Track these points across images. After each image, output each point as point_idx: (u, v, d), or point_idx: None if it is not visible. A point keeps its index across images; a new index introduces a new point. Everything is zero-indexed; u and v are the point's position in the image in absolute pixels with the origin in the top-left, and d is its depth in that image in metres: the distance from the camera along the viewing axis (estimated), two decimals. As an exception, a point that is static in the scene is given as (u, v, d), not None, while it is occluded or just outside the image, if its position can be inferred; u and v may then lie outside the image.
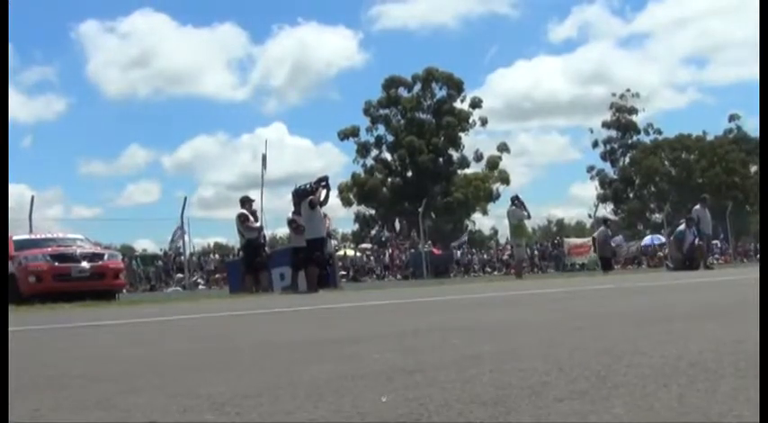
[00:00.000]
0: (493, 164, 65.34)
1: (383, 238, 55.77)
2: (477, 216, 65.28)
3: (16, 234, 18.52)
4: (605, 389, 2.27)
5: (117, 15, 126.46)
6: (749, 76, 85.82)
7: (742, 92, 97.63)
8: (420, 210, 36.85)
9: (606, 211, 68.36)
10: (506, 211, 22.17)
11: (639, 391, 2.21)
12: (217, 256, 41.42)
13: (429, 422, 1.93)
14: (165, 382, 2.90)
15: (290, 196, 17.20)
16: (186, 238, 27.63)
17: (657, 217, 65.00)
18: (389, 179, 64.74)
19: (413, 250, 40.62)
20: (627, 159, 73.77)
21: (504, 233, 23.87)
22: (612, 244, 29.85)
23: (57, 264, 16.73)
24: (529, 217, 21.77)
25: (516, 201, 21.55)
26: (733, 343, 3.23)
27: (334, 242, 21.22)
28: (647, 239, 49.67)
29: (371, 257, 42.40)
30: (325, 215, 17.09)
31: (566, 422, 1.85)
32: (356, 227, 65.14)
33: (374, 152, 65.44)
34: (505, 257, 42.69)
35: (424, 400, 2.22)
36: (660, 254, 42.10)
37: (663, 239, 42.20)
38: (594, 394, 2.19)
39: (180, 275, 32.27)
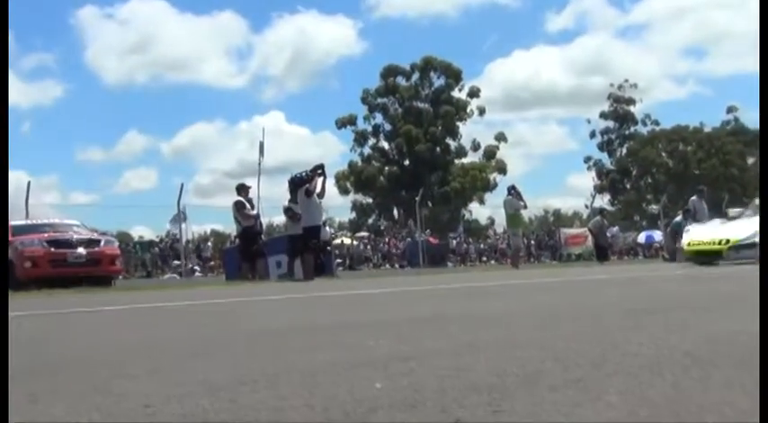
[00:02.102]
0: (490, 153, 65.33)
1: (380, 227, 55.85)
2: (473, 205, 65.26)
3: (13, 219, 18.50)
4: (600, 377, 2.28)
5: (115, 1, 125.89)
6: (748, 68, 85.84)
7: (740, 84, 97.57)
8: (417, 199, 36.93)
9: (603, 201, 68.42)
10: (503, 201, 22.21)
11: (634, 380, 2.21)
12: (209, 244, 41.41)
13: (424, 408, 1.93)
14: (161, 368, 2.91)
15: (286, 184, 17.22)
16: (183, 225, 27.68)
17: (654, 208, 65.03)
18: (387, 168, 64.72)
19: (409, 239, 40.65)
20: (624, 150, 73.76)
21: (501, 223, 23.96)
22: (608, 234, 29.87)
23: (53, 249, 16.73)
24: (525, 207, 21.81)
25: (513, 191, 21.59)
26: (728, 333, 3.24)
27: (330, 230, 21.24)
28: (642, 236, 49.65)
29: (368, 246, 42.44)
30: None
31: (560, 409, 1.86)
32: (353, 215, 65.15)
33: (372, 141, 65.46)
34: (502, 247, 42.71)
35: (418, 386, 2.22)
36: (656, 245, 42.17)
37: (657, 237, 42.24)
38: (589, 382, 2.20)
39: (177, 262, 32.29)
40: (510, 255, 21.94)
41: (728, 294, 6.82)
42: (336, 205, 64.57)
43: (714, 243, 16.36)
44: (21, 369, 2.88)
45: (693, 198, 23.74)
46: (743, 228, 16.23)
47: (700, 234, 17.34)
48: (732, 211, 20.40)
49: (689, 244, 17.21)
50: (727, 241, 16.12)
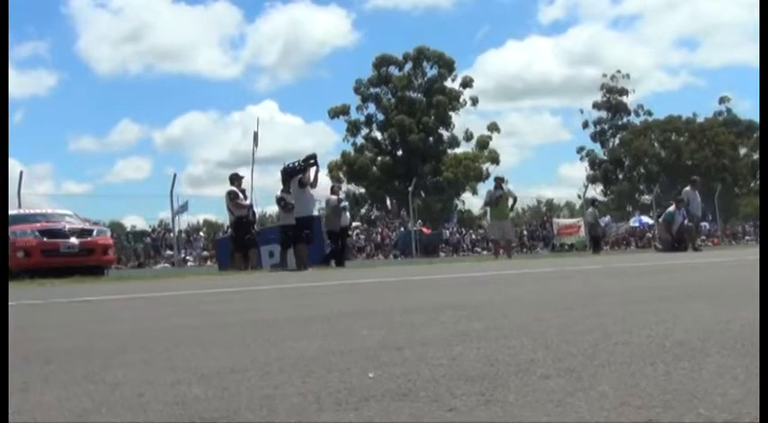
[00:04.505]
0: (483, 144, 65.29)
1: (373, 217, 55.82)
2: (466, 196, 65.31)
3: (5, 209, 18.46)
4: (592, 367, 2.28)
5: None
6: (740, 59, 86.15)
7: (732, 74, 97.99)
8: (410, 189, 36.92)
9: (595, 192, 68.53)
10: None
11: (626, 369, 2.22)
12: (202, 234, 41.36)
13: (417, 398, 1.93)
14: (153, 357, 2.90)
15: (279, 174, 17.20)
16: (179, 216, 27.67)
17: (646, 198, 65.22)
18: (379, 158, 64.66)
19: (402, 229, 40.66)
20: (617, 140, 73.85)
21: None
22: (601, 224, 29.93)
23: (45, 239, 16.72)
24: (499, 198, 21.09)
25: (495, 181, 21.83)
26: (719, 323, 3.25)
27: (348, 215, 21.24)
28: (633, 221, 49.83)
29: (361, 236, 42.43)
30: (339, 187, 17.39)
31: (552, 399, 1.86)
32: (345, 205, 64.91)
33: (364, 131, 65.36)
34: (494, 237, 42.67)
35: (411, 376, 2.23)
36: (649, 235, 42.28)
37: (650, 221, 42.37)
38: (581, 372, 2.20)
39: (169, 252, 32.25)
40: (503, 245, 21.83)
41: (722, 283, 6.84)
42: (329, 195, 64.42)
43: None
44: (12, 358, 2.88)
45: (687, 189, 23.72)
46: None
47: None
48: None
49: None
50: None
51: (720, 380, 2.02)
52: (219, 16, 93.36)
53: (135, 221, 52.55)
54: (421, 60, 64.96)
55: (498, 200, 20.98)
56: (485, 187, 62.56)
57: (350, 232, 20.01)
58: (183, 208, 27.28)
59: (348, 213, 21.02)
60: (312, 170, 16.53)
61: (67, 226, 17.59)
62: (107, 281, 13.52)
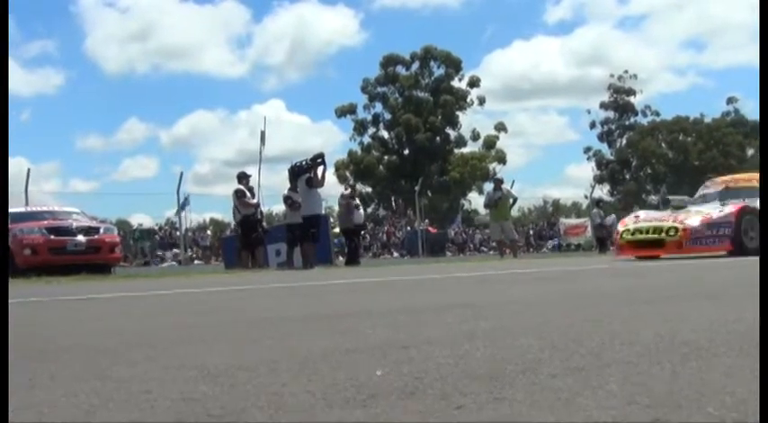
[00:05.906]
0: (490, 143, 65.28)
1: (379, 216, 55.83)
2: (473, 195, 65.30)
3: (12, 207, 18.48)
4: (599, 366, 2.28)
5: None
6: (747, 60, 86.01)
7: (740, 75, 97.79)
8: (416, 188, 36.92)
9: (602, 192, 68.45)
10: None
11: (633, 369, 2.22)
12: (208, 232, 41.39)
13: (424, 396, 1.93)
14: (160, 355, 2.90)
15: (286, 173, 17.24)
16: (182, 213, 27.70)
17: (653, 199, 65.07)
18: (386, 157, 64.69)
19: (409, 229, 40.66)
20: (624, 141, 73.75)
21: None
22: (607, 224, 29.89)
23: (52, 237, 16.76)
24: (498, 199, 21.02)
25: (494, 183, 21.98)
26: (727, 322, 3.24)
27: (362, 213, 21.31)
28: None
29: (367, 235, 42.41)
30: (354, 185, 17.41)
31: (560, 397, 1.86)
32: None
33: (371, 130, 65.41)
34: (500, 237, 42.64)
35: (418, 374, 2.22)
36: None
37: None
38: (588, 371, 2.20)
39: (176, 250, 32.28)
40: (508, 245, 21.79)
41: (727, 283, 6.82)
42: (336, 194, 64.48)
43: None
44: (19, 355, 2.89)
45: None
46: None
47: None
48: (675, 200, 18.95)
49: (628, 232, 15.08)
50: (675, 231, 14.29)
51: (729, 379, 2.01)
52: (227, 15, 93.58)
53: (142, 219, 52.58)
54: (428, 60, 64.99)
55: (497, 201, 21.00)
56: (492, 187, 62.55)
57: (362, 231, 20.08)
58: (185, 203, 27.34)
59: (362, 211, 21.09)
60: (319, 169, 16.55)
61: (74, 224, 17.64)
62: (113, 279, 13.55)
